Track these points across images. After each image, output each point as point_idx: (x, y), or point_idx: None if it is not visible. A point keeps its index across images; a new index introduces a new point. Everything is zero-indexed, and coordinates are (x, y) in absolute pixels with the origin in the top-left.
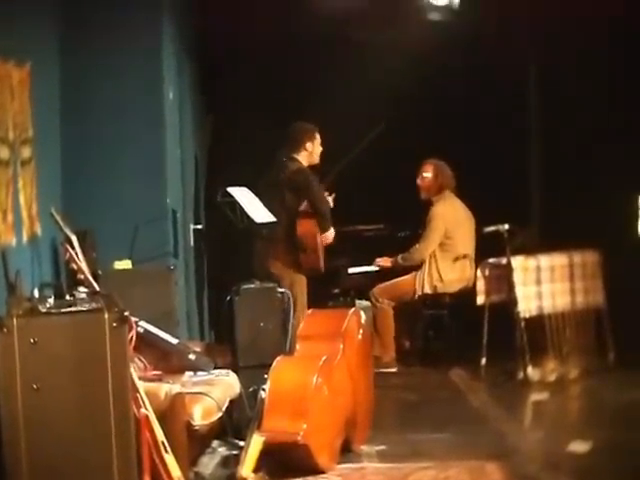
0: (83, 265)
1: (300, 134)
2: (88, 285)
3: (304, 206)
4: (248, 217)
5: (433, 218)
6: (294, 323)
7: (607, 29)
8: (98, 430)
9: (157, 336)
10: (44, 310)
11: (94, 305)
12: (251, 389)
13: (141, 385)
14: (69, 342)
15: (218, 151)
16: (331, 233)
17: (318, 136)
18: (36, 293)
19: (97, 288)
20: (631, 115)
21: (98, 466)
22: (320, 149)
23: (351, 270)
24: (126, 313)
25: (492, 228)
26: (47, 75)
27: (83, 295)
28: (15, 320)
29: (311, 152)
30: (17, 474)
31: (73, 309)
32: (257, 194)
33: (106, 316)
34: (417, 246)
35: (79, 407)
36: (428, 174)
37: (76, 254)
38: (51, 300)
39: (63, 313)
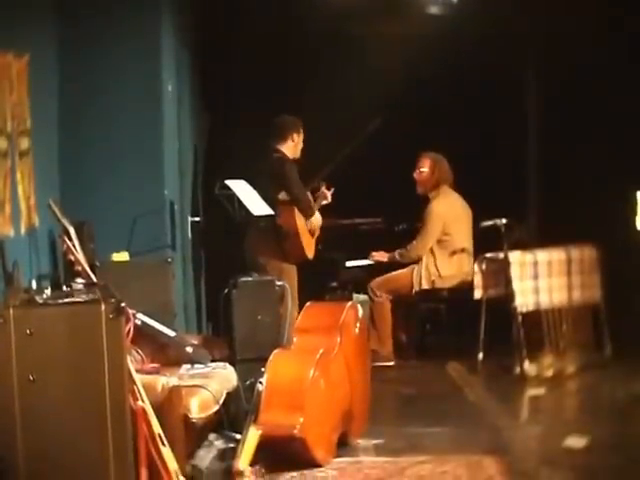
0: (80, 256)
1: (286, 125)
2: (85, 276)
3: (284, 195)
4: (246, 210)
5: (430, 216)
6: (284, 313)
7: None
8: (94, 422)
9: (154, 328)
10: (41, 301)
11: (91, 296)
12: (248, 382)
13: (138, 377)
14: (66, 333)
15: (217, 144)
16: (316, 218)
17: (302, 130)
18: (33, 284)
19: (94, 279)
20: (631, 111)
21: (94, 458)
22: (302, 144)
23: (349, 263)
24: (123, 304)
25: (489, 222)
26: (46, 66)
27: (80, 286)
28: (12, 311)
29: (296, 144)
30: (13, 465)
31: (70, 300)
32: (253, 186)
33: (103, 307)
34: (414, 243)
35: (75, 399)
36: (425, 169)
37: (74, 245)
38: (48, 291)
39: (60, 304)
